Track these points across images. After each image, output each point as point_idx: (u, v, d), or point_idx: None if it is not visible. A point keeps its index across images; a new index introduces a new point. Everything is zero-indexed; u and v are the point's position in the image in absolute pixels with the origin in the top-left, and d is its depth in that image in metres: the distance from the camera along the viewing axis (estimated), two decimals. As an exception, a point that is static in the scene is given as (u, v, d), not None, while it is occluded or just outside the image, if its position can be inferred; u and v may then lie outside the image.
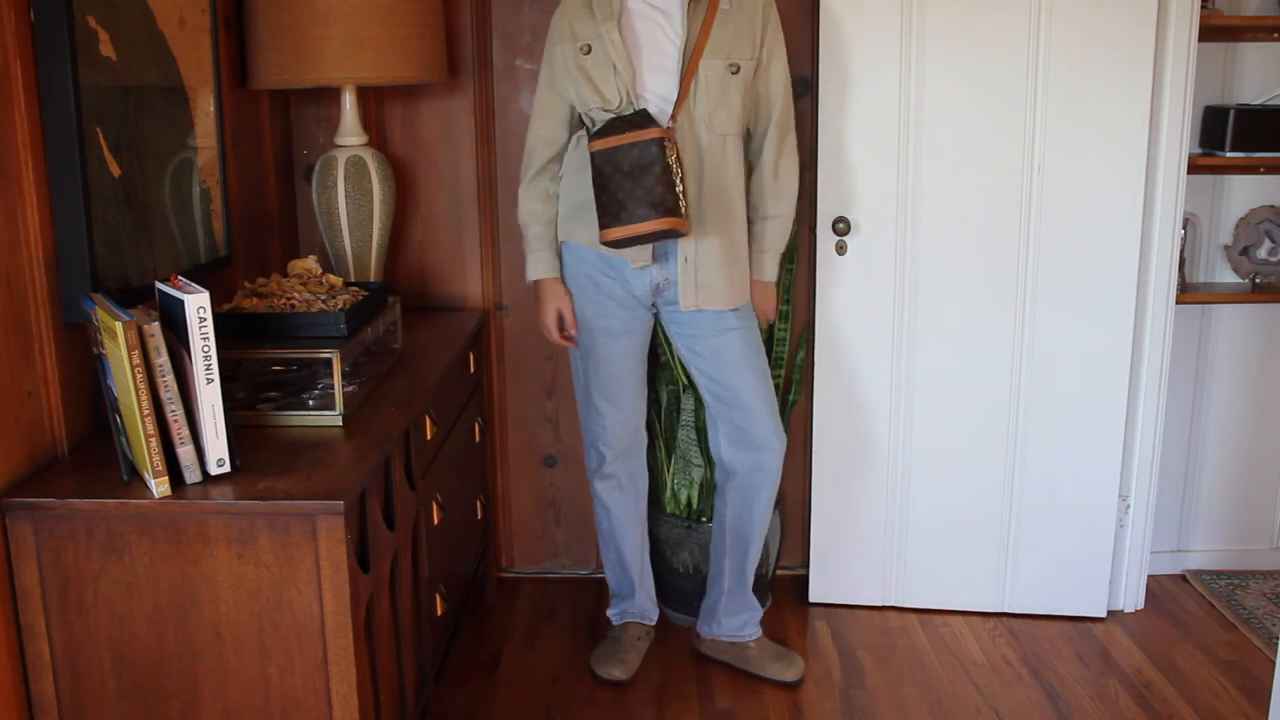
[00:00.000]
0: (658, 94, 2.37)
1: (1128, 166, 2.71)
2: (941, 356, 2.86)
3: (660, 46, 2.37)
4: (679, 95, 2.35)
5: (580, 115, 2.45)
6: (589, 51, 2.38)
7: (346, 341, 2.00)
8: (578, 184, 2.45)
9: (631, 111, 2.34)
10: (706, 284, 2.43)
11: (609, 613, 2.83)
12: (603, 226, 2.31)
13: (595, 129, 2.36)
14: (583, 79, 2.39)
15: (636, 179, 2.27)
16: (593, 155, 2.31)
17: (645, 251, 2.42)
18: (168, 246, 2.09)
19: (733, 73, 2.38)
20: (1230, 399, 3.16)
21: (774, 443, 2.58)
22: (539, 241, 2.52)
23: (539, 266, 2.53)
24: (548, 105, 2.48)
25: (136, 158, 1.95)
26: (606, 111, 2.37)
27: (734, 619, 2.70)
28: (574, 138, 2.48)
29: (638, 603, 2.79)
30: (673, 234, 2.30)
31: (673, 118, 2.35)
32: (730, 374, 2.52)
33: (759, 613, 2.72)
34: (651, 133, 2.27)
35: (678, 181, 2.28)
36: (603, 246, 2.38)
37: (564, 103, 2.46)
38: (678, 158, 2.29)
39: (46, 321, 1.76)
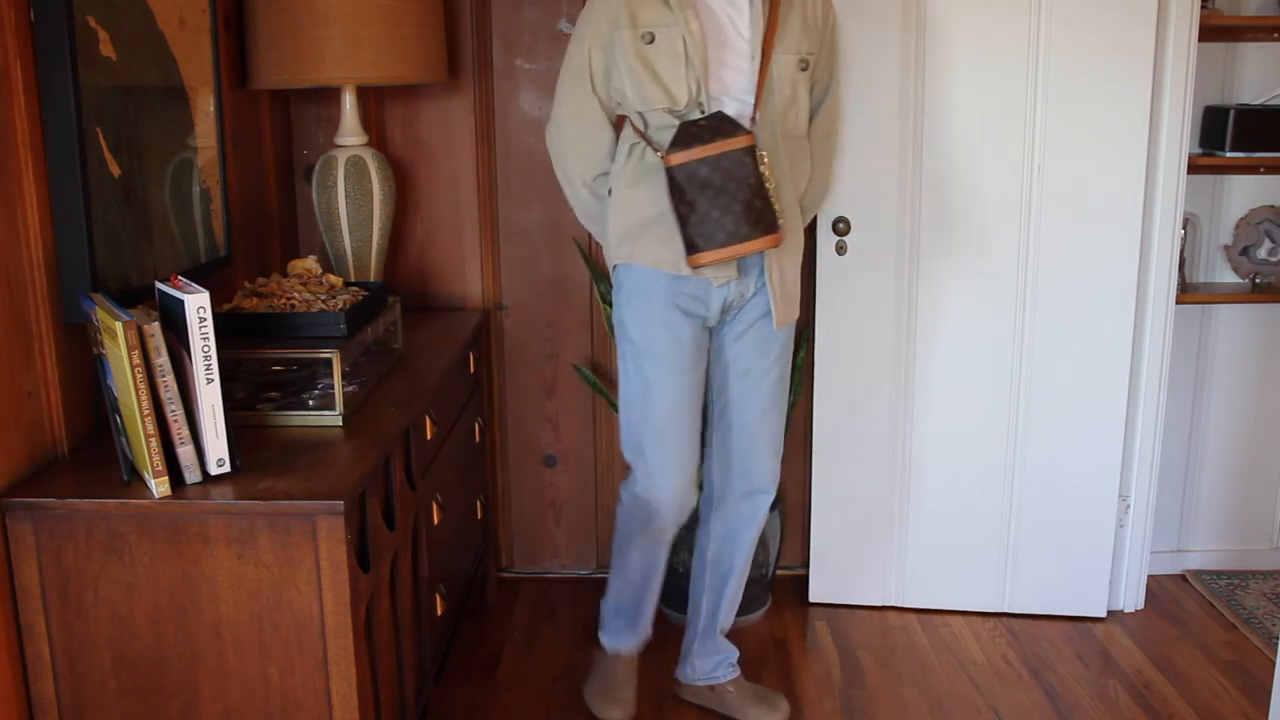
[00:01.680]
0: (733, 94, 2.14)
1: (1128, 166, 2.71)
2: (941, 356, 2.86)
3: (731, 40, 2.13)
4: (756, 94, 2.12)
5: (631, 115, 2.19)
6: (652, 41, 2.10)
7: (346, 341, 2.00)
8: (635, 200, 2.18)
9: (701, 114, 2.11)
10: (789, 298, 2.30)
11: (602, 637, 2.57)
12: (693, 250, 2.10)
13: (670, 138, 2.10)
14: (645, 73, 2.11)
15: (732, 194, 2.05)
16: (671, 170, 2.07)
17: (731, 266, 2.19)
18: (168, 246, 2.09)
19: (802, 69, 2.17)
20: (1230, 399, 3.16)
21: (770, 486, 2.40)
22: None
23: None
24: (587, 106, 2.21)
25: (136, 158, 1.95)
26: (672, 113, 2.12)
27: (707, 660, 2.52)
28: (627, 147, 2.20)
29: (636, 636, 2.54)
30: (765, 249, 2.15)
31: (752, 120, 2.13)
32: (757, 403, 2.34)
33: (734, 653, 2.53)
34: (740, 140, 2.06)
35: (770, 191, 2.10)
36: (685, 269, 2.16)
37: (599, 99, 2.20)
38: (767, 164, 2.11)
39: (46, 321, 1.76)
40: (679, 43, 2.10)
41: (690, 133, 2.08)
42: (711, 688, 2.52)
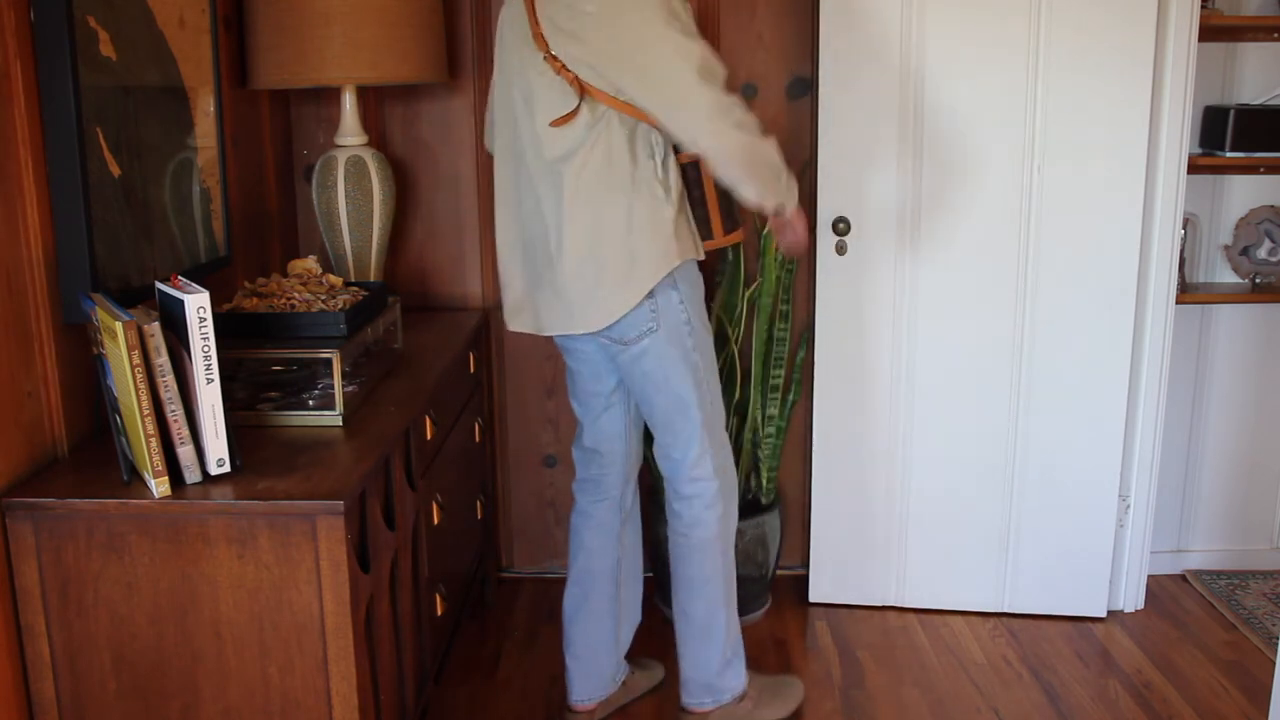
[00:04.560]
0: None
1: (1128, 167, 2.71)
2: (941, 356, 2.86)
3: None
4: None
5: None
6: None
7: (346, 341, 2.00)
8: (681, 197, 2.17)
9: None
10: None
11: (747, 681, 2.46)
12: (728, 231, 2.23)
13: None
14: None
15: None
16: (694, 163, 2.18)
17: None
18: (168, 246, 2.09)
19: None
20: (1230, 399, 3.16)
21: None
22: None
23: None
24: None
25: (136, 158, 1.95)
26: None
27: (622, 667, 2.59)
28: (661, 144, 2.12)
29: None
30: None
31: None
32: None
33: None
34: None
35: None
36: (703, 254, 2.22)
37: None
38: None
39: (46, 321, 1.76)
40: None
41: None
42: (622, 685, 2.57)
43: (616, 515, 2.44)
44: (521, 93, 2.13)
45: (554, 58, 2.03)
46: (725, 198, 2.21)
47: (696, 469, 2.30)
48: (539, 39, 2.05)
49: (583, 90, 2.03)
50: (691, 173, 2.17)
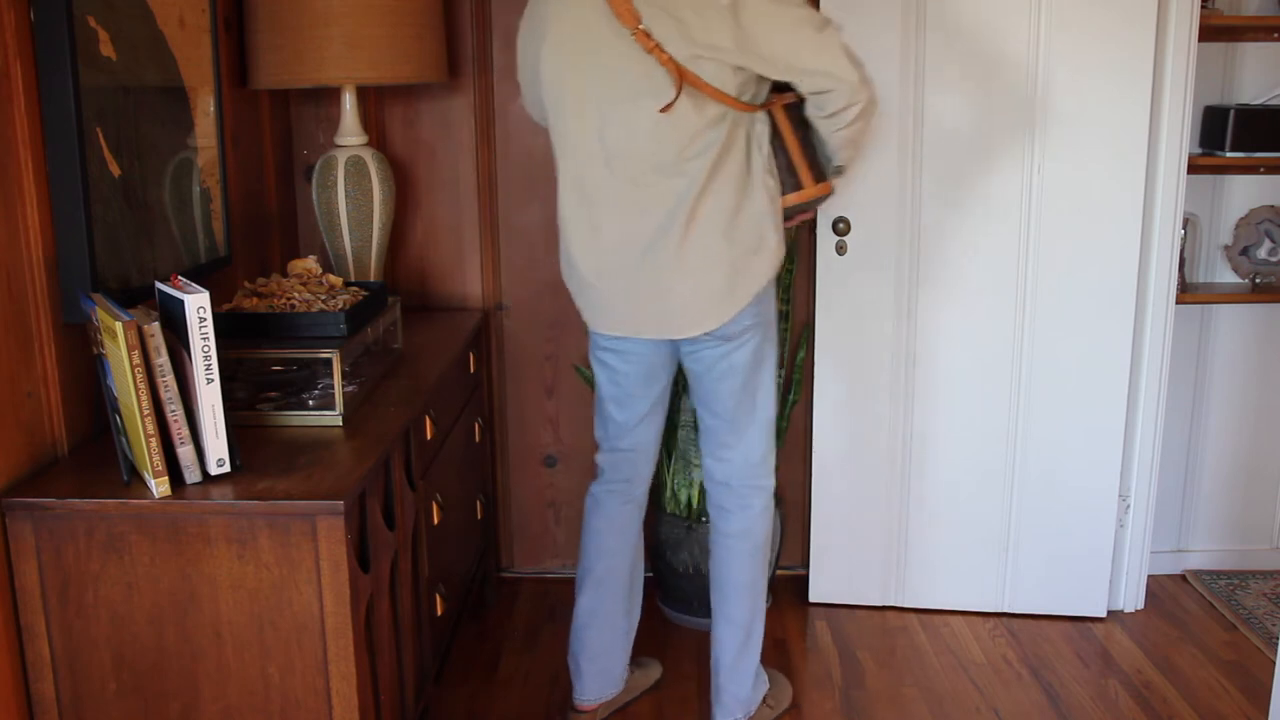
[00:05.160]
0: None
1: (1128, 167, 2.71)
2: (941, 356, 2.86)
3: None
4: None
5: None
6: None
7: (346, 341, 2.00)
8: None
9: None
10: None
11: (767, 683, 2.49)
12: (817, 181, 2.15)
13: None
14: None
15: None
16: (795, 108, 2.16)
17: None
18: (168, 246, 2.09)
19: None
20: (1230, 399, 3.16)
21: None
22: None
23: None
24: None
25: (136, 158, 1.95)
26: None
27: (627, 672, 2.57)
28: (768, 125, 2.12)
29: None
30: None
31: None
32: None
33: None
34: None
35: None
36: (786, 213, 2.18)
37: None
38: None
39: (46, 321, 1.76)
40: None
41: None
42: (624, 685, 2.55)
43: (638, 517, 2.42)
44: (607, 87, 2.02)
45: (644, 33, 1.93)
46: (810, 147, 2.15)
47: (761, 468, 2.30)
48: (626, 16, 1.94)
49: (680, 75, 1.95)
50: (771, 119, 2.12)
